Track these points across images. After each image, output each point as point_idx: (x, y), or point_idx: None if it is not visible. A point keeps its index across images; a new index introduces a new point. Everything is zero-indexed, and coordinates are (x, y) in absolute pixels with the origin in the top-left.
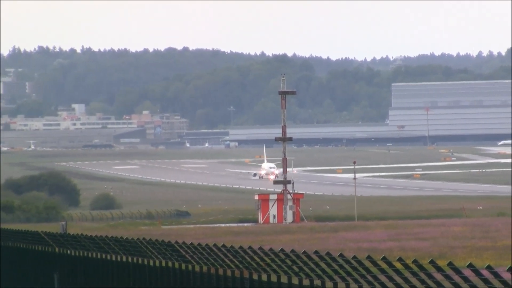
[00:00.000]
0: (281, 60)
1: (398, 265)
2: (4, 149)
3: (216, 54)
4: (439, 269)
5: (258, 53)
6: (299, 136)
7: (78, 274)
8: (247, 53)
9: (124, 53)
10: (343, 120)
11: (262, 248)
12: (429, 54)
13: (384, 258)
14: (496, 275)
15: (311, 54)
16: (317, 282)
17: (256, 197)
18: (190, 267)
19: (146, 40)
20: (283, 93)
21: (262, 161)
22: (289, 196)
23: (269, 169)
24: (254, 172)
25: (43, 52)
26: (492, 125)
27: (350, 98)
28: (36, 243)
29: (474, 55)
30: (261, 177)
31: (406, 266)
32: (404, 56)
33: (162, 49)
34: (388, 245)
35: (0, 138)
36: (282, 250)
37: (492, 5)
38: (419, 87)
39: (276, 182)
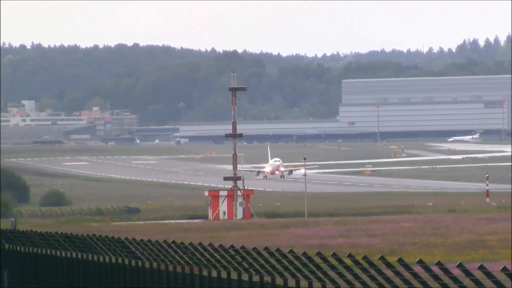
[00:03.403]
0: (232, 56)
1: (348, 261)
2: None
3: (166, 50)
4: (389, 265)
5: (209, 49)
6: (250, 133)
7: (28, 270)
8: (198, 50)
9: (74, 49)
10: (294, 116)
11: (212, 244)
12: (379, 50)
13: (334, 255)
14: (446, 271)
15: (261, 51)
16: (267, 278)
17: (206, 193)
18: (140, 263)
19: (96, 36)
20: (234, 90)
21: (214, 159)
22: (239, 193)
23: (274, 163)
24: (258, 169)
25: None
26: (443, 121)
27: (301, 94)
28: None
29: (425, 52)
30: (265, 176)
31: (356, 263)
32: (355, 52)
33: (112, 45)
34: (338, 242)
35: None
36: (232, 246)
37: (442, 2)
38: (369, 84)
39: (226, 179)
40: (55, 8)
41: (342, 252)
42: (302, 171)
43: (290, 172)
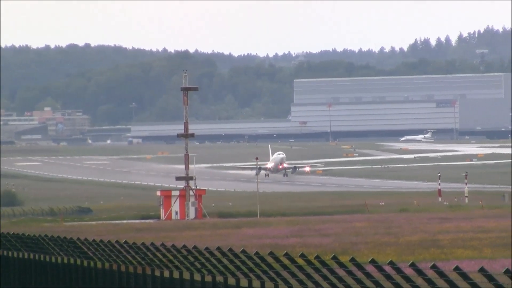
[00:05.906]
0: (183, 56)
1: (300, 261)
2: None
3: (118, 50)
4: (341, 265)
5: (160, 49)
6: (202, 133)
7: None
8: (149, 50)
9: (25, 49)
10: (246, 116)
11: (164, 244)
12: (331, 50)
13: (286, 254)
14: (398, 270)
15: (213, 50)
16: (220, 278)
17: (158, 193)
18: (92, 263)
19: (47, 36)
20: (185, 90)
21: (166, 158)
22: (191, 192)
23: (277, 156)
24: (258, 166)
25: None
26: (394, 121)
27: (253, 94)
28: None
29: (376, 51)
30: (267, 174)
31: (309, 262)
32: (307, 52)
33: (64, 46)
34: (291, 241)
35: None
36: (184, 246)
37: (394, 1)
38: (321, 83)
39: (178, 178)
40: (5, 9)
41: (294, 252)
42: (307, 168)
43: (294, 169)
